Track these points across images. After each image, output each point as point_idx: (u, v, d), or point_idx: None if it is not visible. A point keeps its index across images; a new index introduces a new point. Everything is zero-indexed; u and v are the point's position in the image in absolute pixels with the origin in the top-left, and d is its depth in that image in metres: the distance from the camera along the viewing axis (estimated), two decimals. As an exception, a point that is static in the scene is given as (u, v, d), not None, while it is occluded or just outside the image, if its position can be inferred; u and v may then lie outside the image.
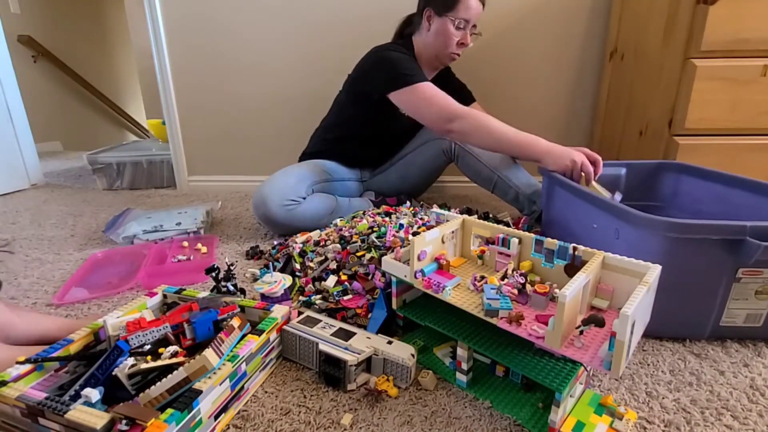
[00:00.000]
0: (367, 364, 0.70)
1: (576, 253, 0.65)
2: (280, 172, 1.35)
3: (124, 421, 0.49)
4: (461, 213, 1.19)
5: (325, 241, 1.10)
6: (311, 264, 1.02)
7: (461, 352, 0.65)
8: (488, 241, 0.77)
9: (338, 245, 1.04)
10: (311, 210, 1.32)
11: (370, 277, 0.91)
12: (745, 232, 0.67)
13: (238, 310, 0.71)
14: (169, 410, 0.51)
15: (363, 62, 1.38)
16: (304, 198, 1.32)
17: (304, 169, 1.38)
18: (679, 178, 1.14)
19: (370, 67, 1.34)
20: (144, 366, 0.58)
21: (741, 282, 0.72)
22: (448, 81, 1.50)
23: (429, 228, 0.88)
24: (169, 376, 0.55)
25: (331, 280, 0.93)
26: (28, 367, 0.59)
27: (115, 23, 4.25)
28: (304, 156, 1.52)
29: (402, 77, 1.24)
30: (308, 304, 0.90)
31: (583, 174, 1.09)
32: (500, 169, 1.38)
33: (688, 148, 1.26)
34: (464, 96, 1.53)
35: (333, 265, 0.99)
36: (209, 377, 0.57)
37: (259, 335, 0.68)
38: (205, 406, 0.56)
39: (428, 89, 1.23)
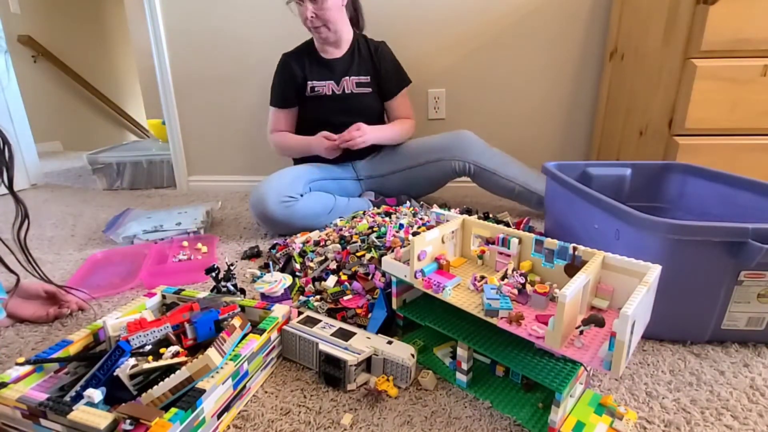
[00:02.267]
0: (367, 364, 0.70)
1: (576, 253, 0.65)
2: (278, 172, 1.37)
3: (127, 421, 0.49)
4: (461, 213, 1.19)
5: (325, 241, 1.10)
6: (311, 264, 1.02)
7: (461, 352, 0.65)
8: (488, 241, 0.77)
9: (338, 245, 1.04)
10: (309, 207, 1.33)
11: (370, 277, 0.92)
12: (747, 234, 0.66)
13: (239, 309, 0.71)
14: (173, 409, 0.52)
15: None
16: (302, 195, 1.33)
17: (300, 168, 1.41)
18: (684, 179, 1.14)
19: None
20: (146, 366, 0.58)
21: (743, 285, 0.71)
22: (379, 62, 1.51)
23: (429, 228, 0.88)
24: (172, 375, 0.55)
25: (331, 280, 0.93)
26: (28, 368, 0.59)
27: (115, 23, 4.25)
28: (295, 162, 1.56)
29: (271, 99, 1.52)
30: (308, 306, 0.90)
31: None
32: (518, 179, 1.44)
33: (688, 148, 1.26)
34: (391, 82, 1.52)
35: (333, 265, 0.99)
36: (212, 376, 0.57)
37: (260, 334, 0.68)
38: (208, 405, 0.56)
39: (273, 114, 1.53)
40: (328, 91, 1.47)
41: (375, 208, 1.39)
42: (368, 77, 1.49)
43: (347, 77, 1.47)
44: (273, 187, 1.30)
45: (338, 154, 1.42)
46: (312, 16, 1.35)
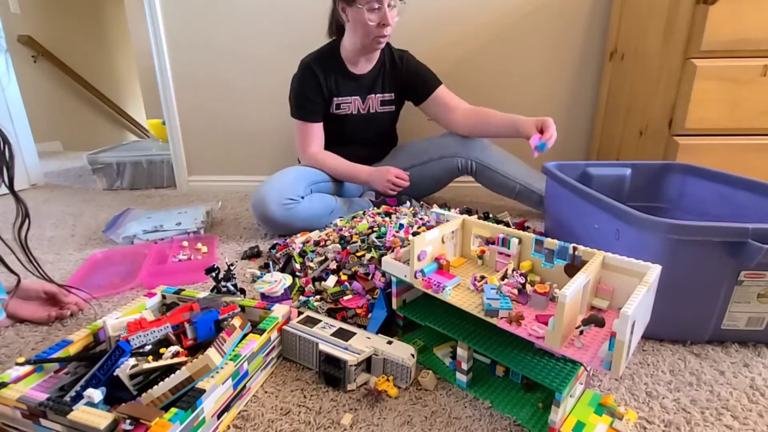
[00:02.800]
0: (367, 364, 0.70)
1: (576, 253, 0.65)
2: (279, 173, 1.36)
3: (127, 421, 0.49)
4: (461, 213, 1.19)
5: (325, 241, 1.10)
6: (311, 264, 1.02)
7: (461, 352, 0.65)
8: (488, 241, 0.77)
9: (338, 245, 1.04)
10: (310, 209, 1.32)
11: (370, 277, 0.92)
12: (747, 234, 0.66)
13: (239, 309, 0.71)
14: (173, 409, 0.52)
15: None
16: (303, 197, 1.32)
17: (302, 170, 1.39)
18: (684, 179, 1.14)
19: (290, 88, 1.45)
20: (146, 366, 0.58)
21: (743, 285, 0.71)
22: (406, 73, 1.46)
23: (429, 228, 0.88)
24: (172, 375, 0.55)
25: (331, 280, 0.93)
26: (27, 368, 0.59)
27: (115, 23, 4.25)
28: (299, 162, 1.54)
29: (295, 110, 1.42)
30: (308, 306, 0.90)
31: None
32: (519, 177, 1.44)
33: (688, 148, 1.26)
34: (425, 86, 1.48)
35: (333, 265, 0.99)
36: (212, 376, 0.57)
37: (260, 334, 0.68)
38: (208, 405, 0.56)
39: (303, 128, 1.43)
40: (354, 110, 1.44)
41: (375, 208, 1.39)
42: (392, 94, 1.47)
43: (373, 95, 1.45)
44: (274, 188, 1.29)
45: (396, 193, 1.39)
46: (392, 24, 1.28)
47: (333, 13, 1.38)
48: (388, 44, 1.46)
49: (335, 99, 1.42)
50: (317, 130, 1.43)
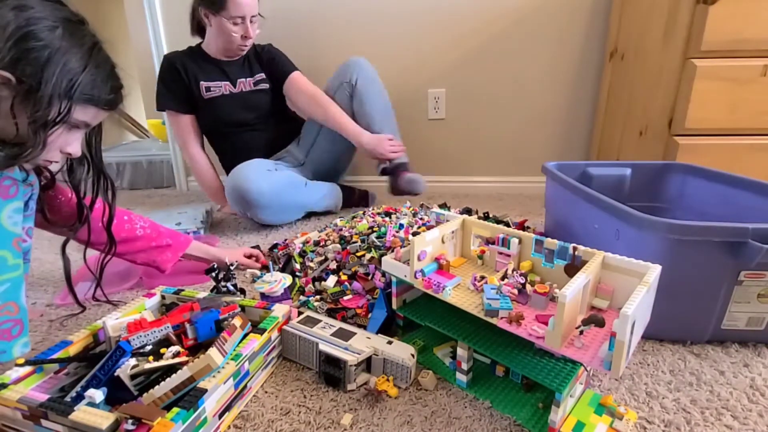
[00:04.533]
0: (367, 364, 0.70)
1: (576, 253, 0.65)
2: (238, 165, 1.38)
3: (129, 421, 0.49)
4: (461, 213, 1.19)
5: (325, 241, 1.10)
6: (311, 264, 1.02)
7: (461, 352, 0.65)
8: (488, 241, 0.77)
9: (338, 245, 1.04)
10: (288, 176, 1.40)
11: (370, 277, 0.92)
12: (747, 234, 0.66)
13: (239, 309, 0.71)
14: (175, 409, 0.52)
15: None
16: (275, 170, 1.40)
17: (255, 159, 1.43)
18: (684, 179, 1.14)
19: None
20: (147, 366, 0.58)
21: (743, 285, 0.71)
22: (267, 59, 1.53)
23: (429, 228, 0.88)
24: (174, 375, 0.55)
25: (331, 280, 0.93)
26: (27, 369, 0.59)
27: (115, 23, 4.25)
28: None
29: (158, 102, 1.48)
30: (308, 306, 0.90)
31: None
32: (378, 119, 1.49)
33: (688, 148, 1.26)
34: (282, 71, 1.53)
35: (333, 265, 0.99)
36: (213, 376, 0.57)
37: (261, 334, 0.68)
38: (210, 404, 0.56)
39: (173, 121, 1.50)
40: (225, 91, 1.47)
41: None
42: (262, 74, 1.52)
43: (243, 79, 1.49)
44: (251, 166, 1.35)
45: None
46: (253, 36, 1.40)
47: (194, 14, 1.44)
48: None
49: (202, 83, 1.45)
50: (189, 122, 1.49)
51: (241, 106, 1.50)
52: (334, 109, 1.46)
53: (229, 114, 1.49)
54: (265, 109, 1.54)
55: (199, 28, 1.48)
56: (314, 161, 1.56)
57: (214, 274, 0.86)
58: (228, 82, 1.48)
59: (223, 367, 0.59)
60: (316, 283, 0.95)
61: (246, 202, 1.32)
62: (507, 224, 1.26)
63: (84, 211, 0.80)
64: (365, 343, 0.70)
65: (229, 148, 1.53)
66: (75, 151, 0.69)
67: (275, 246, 1.21)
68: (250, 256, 1.13)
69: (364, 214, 1.26)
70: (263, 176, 1.34)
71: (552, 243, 0.67)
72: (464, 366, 0.66)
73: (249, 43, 1.42)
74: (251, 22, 1.37)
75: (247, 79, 1.50)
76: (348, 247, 1.01)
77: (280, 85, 1.54)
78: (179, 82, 1.44)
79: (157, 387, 0.54)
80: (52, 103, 0.59)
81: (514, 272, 0.69)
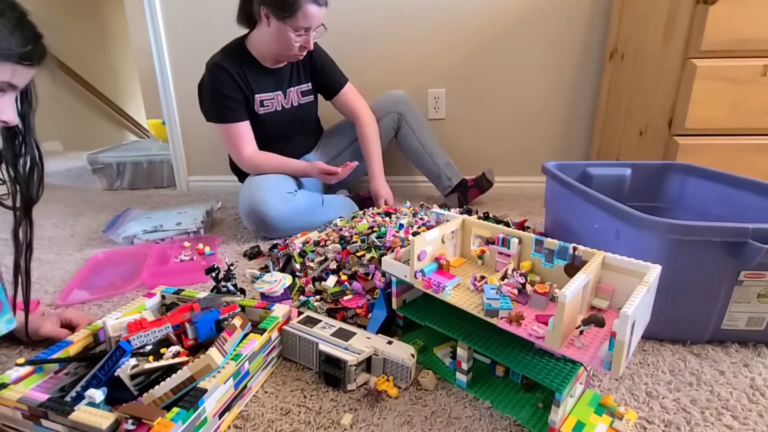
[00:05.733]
0: (367, 364, 0.70)
1: (576, 253, 0.65)
2: (259, 178, 1.32)
3: (130, 421, 0.49)
4: (461, 213, 1.19)
5: (325, 241, 1.10)
6: (311, 264, 1.02)
7: (461, 352, 0.65)
8: (488, 241, 0.77)
9: (338, 245, 1.04)
10: (307, 201, 1.35)
11: (370, 277, 0.92)
12: (747, 234, 0.66)
13: (239, 309, 0.71)
14: (175, 409, 0.52)
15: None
16: (295, 191, 1.35)
17: (278, 175, 1.37)
18: (685, 179, 1.14)
19: (199, 93, 1.39)
20: (147, 366, 0.58)
21: (743, 285, 0.71)
22: (320, 66, 1.46)
23: (429, 228, 0.88)
24: (174, 375, 0.55)
25: (331, 280, 0.93)
26: (27, 369, 0.59)
27: (115, 23, 4.25)
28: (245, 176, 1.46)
29: (214, 115, 1.35)
30: (308, 306, 0.90)
31: None
32: (429, 146, 1.61)
33: (688, 148, 1.26)
34: (335, 83, 1.49)
35: (333, 265, 0.99)
36: (213, 376, 0.57)
37: (261, 334, 0.68)
38: (210, 404, 0.56)
39: (229, 131, 1.35)
40: (278, 106, 1.41)
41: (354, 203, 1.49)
42: (309, 84, 1.46)
43: (292, 88, 1.42)
44: (269, 187, 1.29)
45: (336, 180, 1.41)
46: (309, 48, 1.30)
47: (246, 3, 1.30)
48: None
49: (257, 96, 1.36)
50: (245, 129, 1.36)
51: (288, 121, 1.45)
52: (375, 149, 1.50)
53: (277, 130, 1.43)
54: (308, 122, 1.52)
55: (248, 18, 1.32)
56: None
57: (214, 274, 0.86)
58: (280, 92, 1.40)
59: (223, 367, 0.59)
60: (316, 283, 0.95)
61: (263, 225, 1.28)
62: (507, 224, 1.26)
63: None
64: (365, 343, 0.70)
65: (262, 144, 1.46)
66: (9, 118, 0.60)
67: (275, 246, 1.21)
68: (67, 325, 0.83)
69: (364, 214, 1.26)
70: (282, 201, 1.28)
71: (552, 243, 0.67)
72: (464, 366, 0.66)
73: (304, 53, 1.33)
74: (314, 31, 1.27)
75: (296, 88, 1.43)
76: (348, 247, 1.01)
77: (325, 94, 1.50)
78: (239, 93, 1.32)
79: (157, 387, 0.54)
80: None
81: (514, 272, 0.69)
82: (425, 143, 1.59)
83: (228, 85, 1.31)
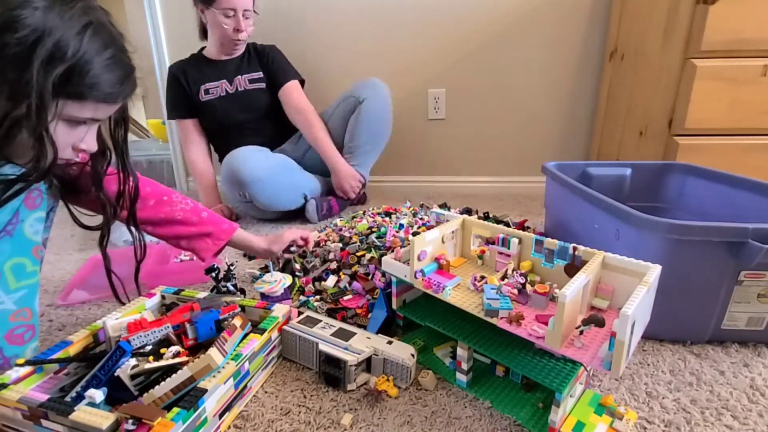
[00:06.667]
0: (367, 364, 0.70)
1: (576, 253, 0.65)
2: (235, 151, 1.42)
3: (130, 421, 0.49)
4: (461, 213, 1.19)
5: (325, 241, 1.10)
6: (311, 264, 1.02)
7: (461, 352, 0.65)
8: (488, 241, 0.77)
9: (338, 245, 1.04)
10: (283, 159, 1.45)
11: (370, 277, 0.92)
12: (747, 234, 0.66)
13: (239, 309, 0.71)
14: (176, 409, 0.52)
15: None
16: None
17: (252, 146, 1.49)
18: (684, 179, 1.14)
19: None
20: (147, 366, 0.58)
21: (743, 285, 0.71)
22: (269, 59, 1.57)
23: (429, 228, 0.88)
24: (174, 375, 0.55)
25: (331, 280, 0.93)
26: (27, 369, 0.59)
27: (114, 23, 4.25)
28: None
29: (167, 113, 1.59)
30: (308, 306, 0.90)
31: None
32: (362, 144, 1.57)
33: (688, 148, 1.26)
34: (279, 77, 1.56)
35: (333, 265, 0.99)
36: (213, 376, 0.57)
37: (261, 334, 0.68)
38: (210, 404, 0.56)
39: (179, 127, 1.61)
40: (222, 92, 1.52)
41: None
42: (260, 73, 1.55)
43: (239, 76, 1.53)
44: (246, 148, 1.40)
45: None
46: (246, 31, 1.44)
47: (199, 18, 1.50)
48: (253, 42, 1.58)
49: (202, 86, 1.52)
50: (190, 128, 1.57)
51: (237, 106, 1.53)
52: (319, 132, 1.52)
53: (226, 115, 1.53)
54: (261, 109, 1.56)
55: (204, 32, 1.54)
56: (311, 160, 1.58)
57: (214, 274, 0.86)
58: (225, 81, 1.52)
59: (223, 367, 0.59)
60: (316, 283, 0.95)
61: (241, 181, 1.35)
62: (507, 224, 1.26)
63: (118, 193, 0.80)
64: (365, 343, 0.70)
65: (226, 149, 1.54)
66: (89, 147, 0.63)
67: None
68: (295, 242, 1.01)
69: (364, 214, 1.26)
70: (258, 155, 1.39)
71: (552, 243, 0.67)
72: (464, 366, 0.66)
73: (242, 37, 1.46)
74: (244, 16, 1.42)
75: (245, 75, 1.53)
76: (348, 247, 1.01)
77: (273, 87, 1.56)
78: (181, 90, 1.52)
79: (157, 387, 0.54)
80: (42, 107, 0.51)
81: (514, 272, 0.69)
82: (360, 140, 1.54)
83: (171, 86, 1.53)
